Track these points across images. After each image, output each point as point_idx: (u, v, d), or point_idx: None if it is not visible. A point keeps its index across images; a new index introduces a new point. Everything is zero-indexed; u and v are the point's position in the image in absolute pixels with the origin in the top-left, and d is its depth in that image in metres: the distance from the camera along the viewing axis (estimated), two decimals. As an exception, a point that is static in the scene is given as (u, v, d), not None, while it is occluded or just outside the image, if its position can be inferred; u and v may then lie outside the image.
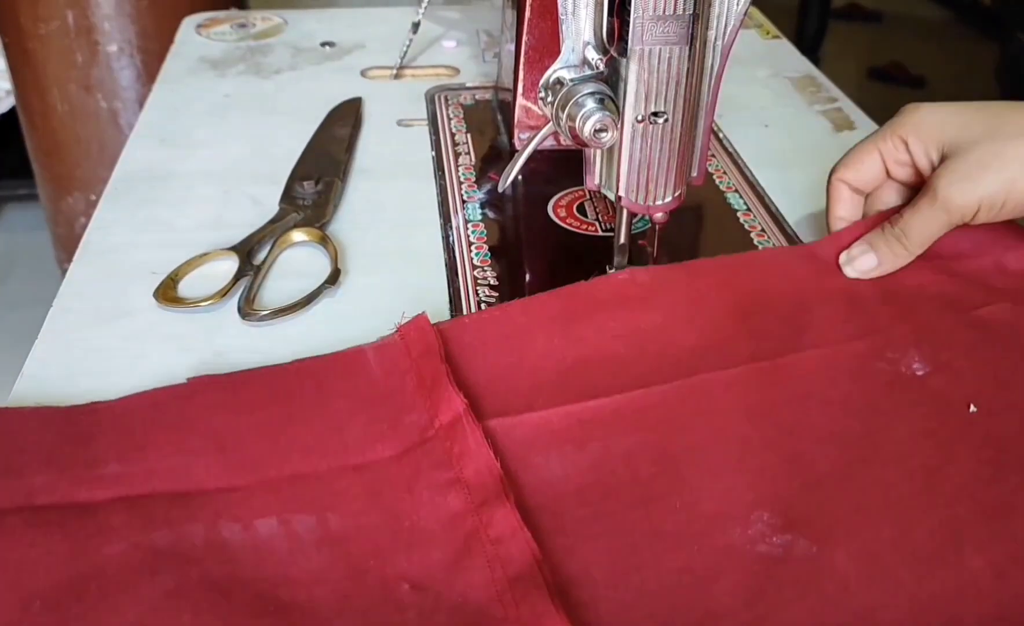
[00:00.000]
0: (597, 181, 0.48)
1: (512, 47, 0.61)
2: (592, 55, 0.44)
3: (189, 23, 0.88)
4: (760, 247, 0.55)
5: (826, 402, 0.43)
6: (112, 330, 0.48)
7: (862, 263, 0.50)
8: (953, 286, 0.49)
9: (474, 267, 0.53)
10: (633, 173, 0.45)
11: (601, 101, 0.44)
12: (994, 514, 0.37)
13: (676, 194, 0.47)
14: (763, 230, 0.57)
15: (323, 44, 0.84)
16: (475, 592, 0.34)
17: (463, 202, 0.59)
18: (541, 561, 0.34)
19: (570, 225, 0.57)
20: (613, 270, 0.50)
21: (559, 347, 0.45)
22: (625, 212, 0.48)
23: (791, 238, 0.56)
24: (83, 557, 0.34)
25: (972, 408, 0.42)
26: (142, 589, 0.33)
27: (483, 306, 0.50)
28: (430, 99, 0.73)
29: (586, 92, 0.44)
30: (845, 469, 0.39)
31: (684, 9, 0.41)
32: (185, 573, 0.34)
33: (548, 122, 0.46)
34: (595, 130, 0.44)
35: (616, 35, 0.43)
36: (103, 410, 0.41)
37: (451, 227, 0.57)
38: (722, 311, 0.47)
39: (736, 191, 0.61)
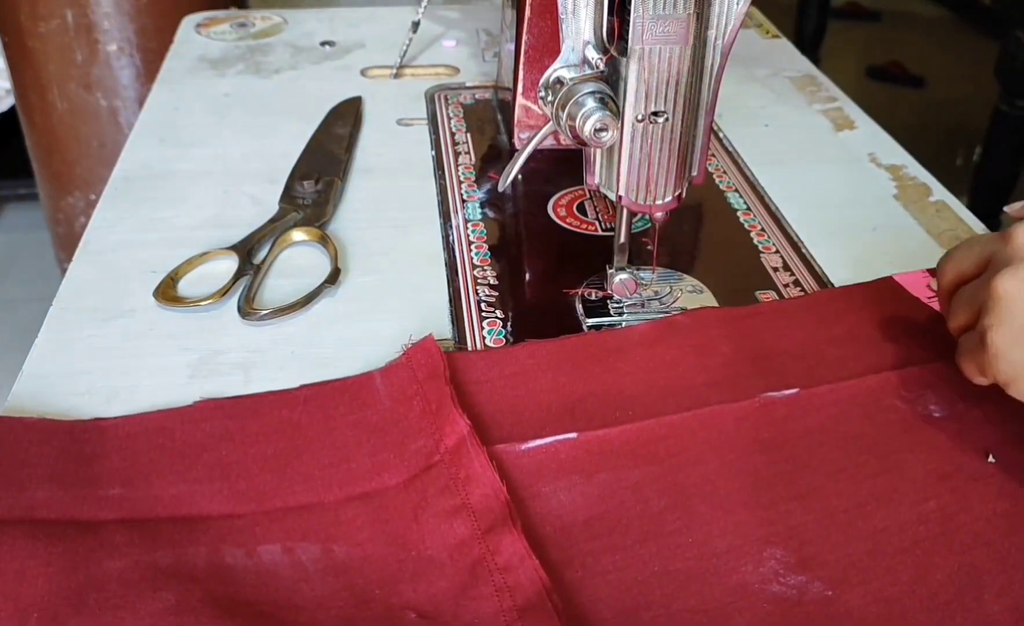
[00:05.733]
0: (597, 180, 0.48)
1: (512, 46, 0.61)
2: (592, 54, 0.44)
3: (189, 22, 0.88)
4: (760, 246, 0.55)
5: (840, 437, 0.42)
6: (112, 329, 0.48)
7: None
8: None
9: (474, 266, 0.53)
10: (633, 172, 0.45)
11: (601, 100, 0.44)
12: (1013, 562, 0.37)
13: (676, 193, 0.47)
14: (763, 230, 0.57)
15: (323, 43, 0.84)
16: (483, 622, 0.34)
17: (463, 201, 0.59)
18: (551, 589, 0.34)
19: (570, 224, 0.57)
20: (612, 270, 0.50)
21: (566, 383, 0.44)
22: (625, 211, 0.48)
23: (791, 238, 0.56)
24: (83, 570, 0.34)
25: (991, 458, 0.41)
26: (142, 604, 0.33)
27: (483, 305, 0.50)
28: (430, 98, 0.73)
29: (586, 91, 0.44)
30: (859, 507, 0.39)
31: (684, 8, 0.41)
32: (187, 590, 0.34)
33: (548, 121, 0.46)
34: (595, 129, 0.43)
35: (616, 34, 0.43)
36: (108, 429, 0.40)
37: (451, 226, 0.57)
38: (732, 352, 0.46)
39: (736, 191, 0.61)
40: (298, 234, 0.55)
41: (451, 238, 0.56)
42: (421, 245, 0.55)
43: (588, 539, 0.37)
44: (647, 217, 0.55)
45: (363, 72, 0.78)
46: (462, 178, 0.62)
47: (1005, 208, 0.49)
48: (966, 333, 0.42)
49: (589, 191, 0.60)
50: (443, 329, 0.48)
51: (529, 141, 0.47)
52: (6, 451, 0.38)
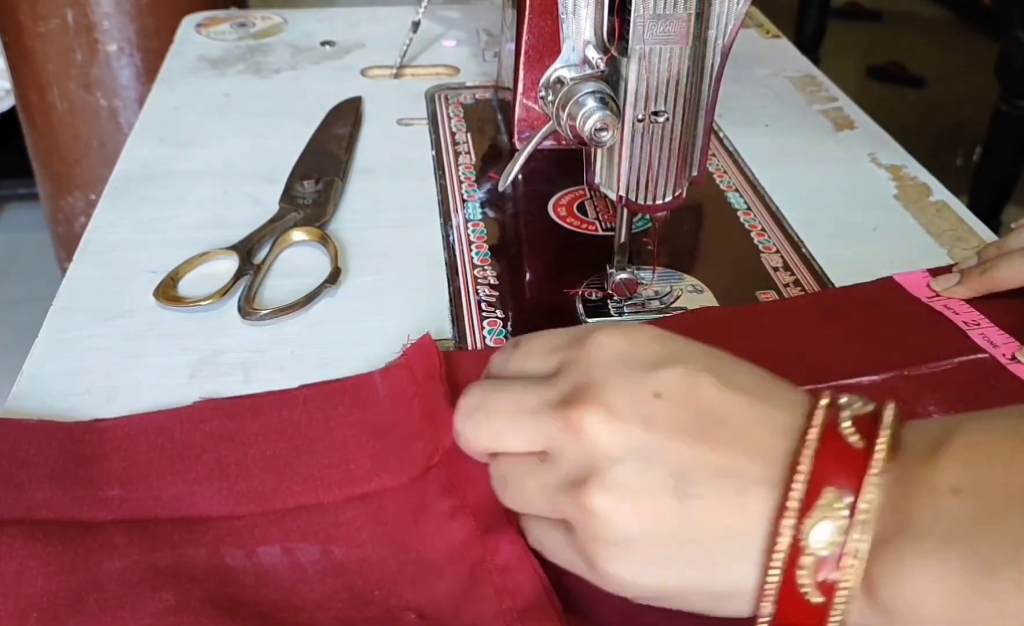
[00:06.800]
0: (597, 180, 0.48)
1: (512, 46, 0.61)
2: (592, 54, 0.44)
3: (189, 22, 0.88)
4: (760, 246, 0.55)
5: None
6: (112, 329, 0.48)
7: (946, 281, 0.51)
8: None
9: (474, 266, 0.53)
10: (633, 172, 0.45)
11: (602, 100, 0.44)
12: None
13: (676, 193, 0.47)
14: (763, 230, 0.57)
15: (323, 43, 0.84)
16: (483, 623, 0.34)
17: (463, 201, 0.59)
18: (551, 590, 0.34)
19: (570, 224, 0.57)
20: (612, 270, 0.50)
21: None
22: (625, 211, 0.48)
23: (791, 238, 0.56)
24: (83, 570, 0.34)
25: None
26: (142, 604, 0.33)
27: (483, 305, 0.50)
28: (430, 98, 0.73)
29: (586, 91, 0.44)
30: None
31: (684, 8, 0.41)
32: (187, 591, 0.34)
33: (548, 121, 0.46)
34: (596, 129, 0.43)
35: (616, 34, 0.43)
36: (107, 430, 0.40)
37: (451, 226, 0.57)
38: (732, 352, 0.46)
39: (736, 190, 0.61)
40: (298, 234, 0.55)
41: (451, 238, 0.56)
42: (421, 245, 0.55)
43: None
44: (647, 217, 0.55)
45: (363, 72, 0.78)
46: (462, 178, 0.62)
47: (1012, 225, 0.50)
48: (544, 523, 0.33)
49: (589, 191, 0.60)
50: (443, 329, 0.48)
51: (529, 141, 0.47)
52: (6, 452, 0.38)
